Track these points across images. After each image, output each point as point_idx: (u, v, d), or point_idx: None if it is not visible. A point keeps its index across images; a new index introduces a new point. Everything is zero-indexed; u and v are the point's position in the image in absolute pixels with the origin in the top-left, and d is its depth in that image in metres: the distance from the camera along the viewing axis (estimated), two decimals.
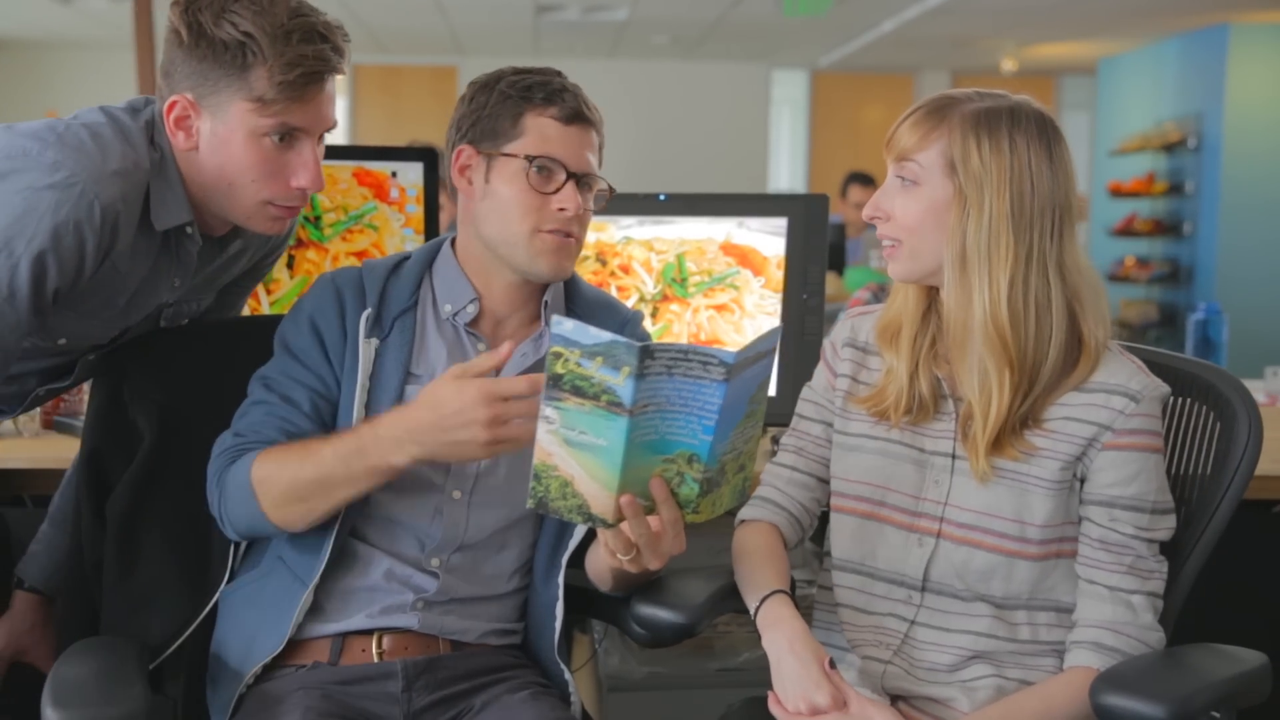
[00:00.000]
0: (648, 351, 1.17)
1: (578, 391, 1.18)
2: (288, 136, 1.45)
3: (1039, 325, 1.35)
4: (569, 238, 1.50)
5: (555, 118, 1.48)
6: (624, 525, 1.27)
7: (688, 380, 1.18)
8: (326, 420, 1.49)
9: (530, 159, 1.47)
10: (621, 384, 1.16)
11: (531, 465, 1.23)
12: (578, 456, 1.21)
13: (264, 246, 1.68)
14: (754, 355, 1.21)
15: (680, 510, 1.27)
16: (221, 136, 1.44)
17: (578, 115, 1.49)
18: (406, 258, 1.56)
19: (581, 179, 1.50)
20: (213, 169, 1.46)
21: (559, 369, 1.19)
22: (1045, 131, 1.37)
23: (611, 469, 1.20)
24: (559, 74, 1.53)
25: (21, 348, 1.43)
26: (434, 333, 1.52)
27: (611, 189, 1.54)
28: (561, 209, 1.47)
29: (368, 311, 1.49)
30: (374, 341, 1.49)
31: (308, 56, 1.43)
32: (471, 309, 1.52)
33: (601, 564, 1.46)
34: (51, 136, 1.40)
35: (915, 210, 1.38)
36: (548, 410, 1.21)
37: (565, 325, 1.19)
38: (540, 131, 1.48)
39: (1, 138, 1.42)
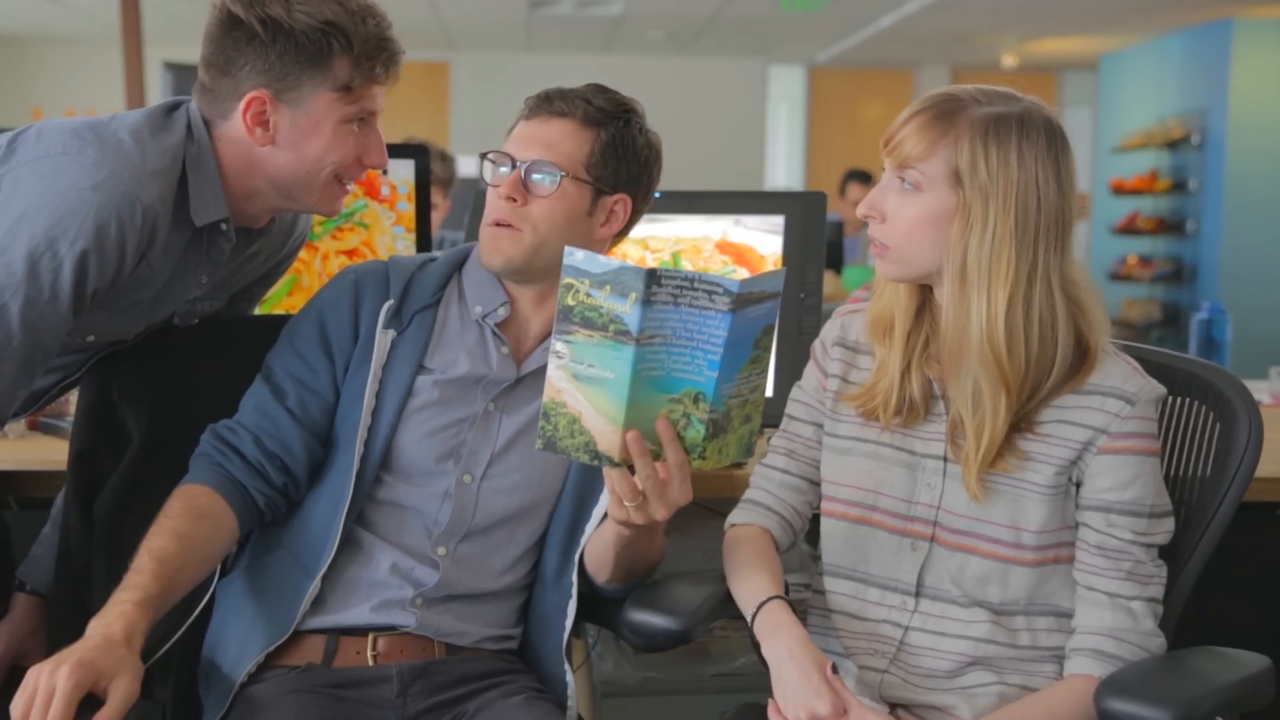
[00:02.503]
0: (654, 276, 1.19)
1: (587, 323, 1.21)
2: (362, 121, 1.49)
3: (1041, 343, 1.33)
4: (497, 226, 1.51)
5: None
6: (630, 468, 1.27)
7: (694, 311, 1.20)
8: (311, 413, 1.51)
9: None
10: (629, 311, 1.19)
11: (541, 404, 1.25)
12: (585, 391, 1.23)
13: (278, 253, 1.69)
14: (759, 292, 1.22)
15: (686, 454, 1.27)
16: (303, 128, 1.47)
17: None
18: (434, 258, 1.59)
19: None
20: (289, 161, 1.48)
21: (569, 300, 1.22)
22: (1054, 142, 1.33)
23: (618, 402, 1.22)
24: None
25: (58, 349, 1.44)
26: (456, 331, 1.54)
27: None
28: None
29: (389, 303, 1.52)
30: (390, 333, 1.51)
31: (385, 39, 1.48)
32: (503, 311, 1.54)
33: (602, 546, 1.45)
34: (90, 135, 1.41)
35: (912, 215, 1.34)
36: (558, 345, 1.23)
37: (576, 255, 1.22)
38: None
39: (37, 138, 1.42)
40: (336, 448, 1.51)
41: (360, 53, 1.45)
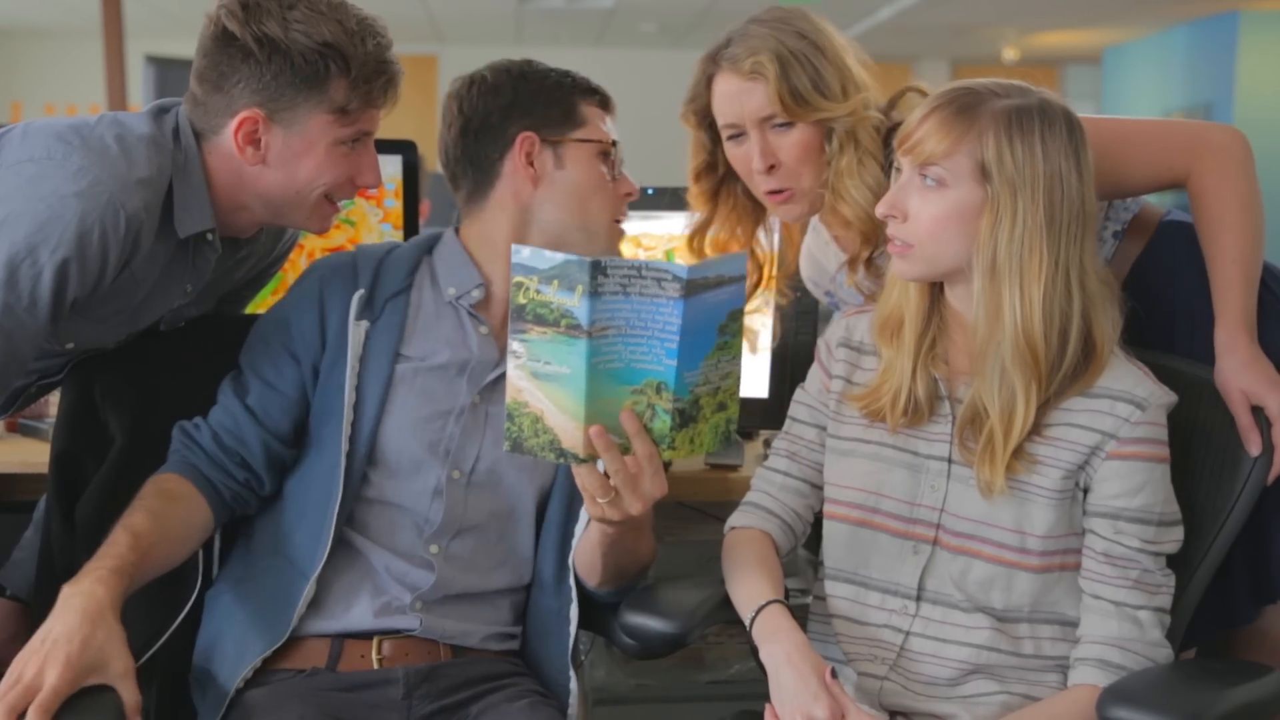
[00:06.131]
0: (599, 267, 1.18)
1: (539, 320, 1.21)
2: (356, 141, 1.48)
3: (1061, 336, 1.32)
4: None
5: (599, 106, 1.55)
6: (598, 464, 1.26)
7: (644, 300, 1.20)
8: (271, 412, 1.50)
9: (615, 144, 1.54)
10: (577, 304, 1.19)
11: (504, 406, 1.24)
12: (545, 389, 1.22)
13: (267, 257, 1.68)
14: (714, 277, 1.21)
15: (655, 446, 1.25)
16: (296, 149, 1.44)
17: (610, 103, 1.56)
18: (400, 244, 1.60)
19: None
20: (279, 180, 1.46)
21: (521, 299, 1.21)
22: (1074, 134, 1.33)
23: (577, 397, 1.21)
24: None
25: (35, 355, 1.42)
26: (431, 316, 1.53)
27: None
28: (628, 194, 1.55)
29: (360, 293, 1.51)
30: (364, 324, 1.50)
31: (385, 61, 1.45)
32: (477, 293, 1.53)
33: (590, 548, 1.44)
34: (76, 139, 1.38)
35: (936, 213, 1.33)
36: (515, 345, 1.23)
37: (523, 253, 1.21)
38: (596, 121, 1.54)
39: (22, 139, 1.40)
40: (322, 447, 1.49)
41: (358, 76, 1.43)
